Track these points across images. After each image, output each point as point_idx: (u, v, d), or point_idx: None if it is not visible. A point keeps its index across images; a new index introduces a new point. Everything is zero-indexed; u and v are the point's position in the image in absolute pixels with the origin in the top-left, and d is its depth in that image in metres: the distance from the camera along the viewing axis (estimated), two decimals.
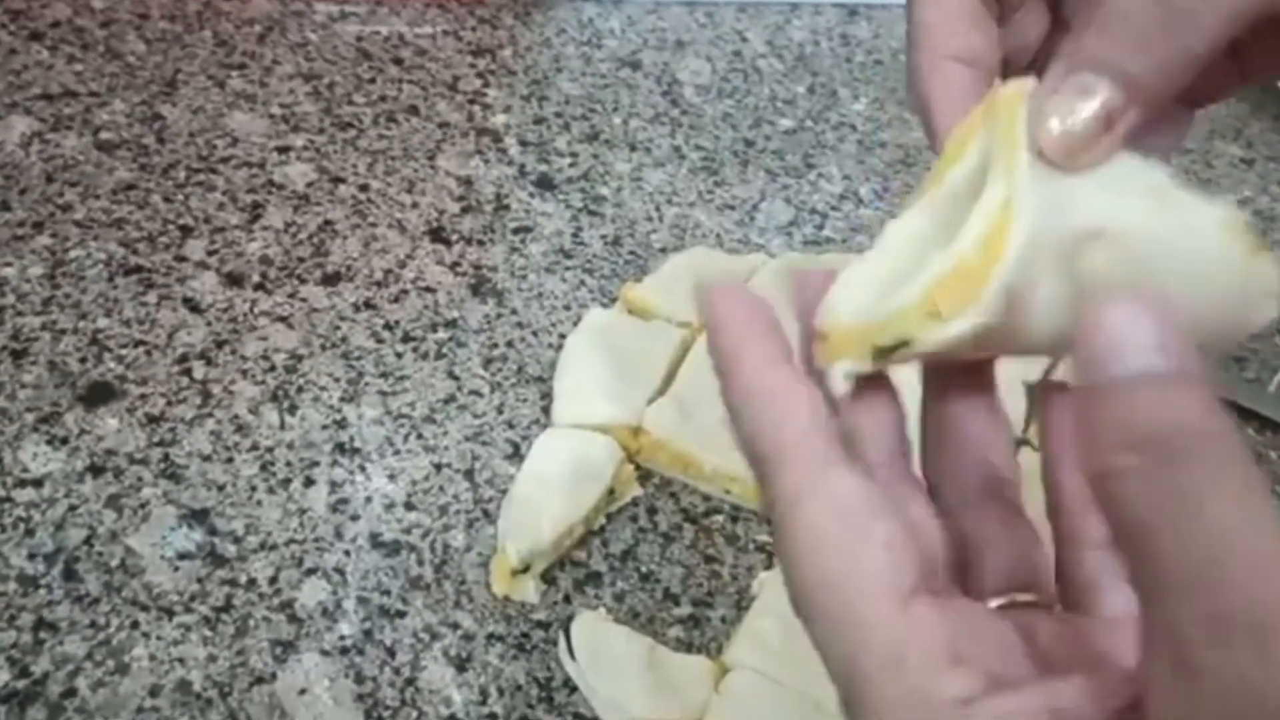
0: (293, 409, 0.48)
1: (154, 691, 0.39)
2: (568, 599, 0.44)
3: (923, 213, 0.26)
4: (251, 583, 0.42)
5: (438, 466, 0.47)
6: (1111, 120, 0.25)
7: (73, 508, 0.43)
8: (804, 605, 0.23)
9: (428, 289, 0.54)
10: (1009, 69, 0.32)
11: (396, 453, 0.47)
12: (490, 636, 0.42)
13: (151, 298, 0.51)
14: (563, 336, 0.53)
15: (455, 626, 0.42)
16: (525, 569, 0.43)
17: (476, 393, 0.50)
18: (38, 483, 0.44)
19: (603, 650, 0.41)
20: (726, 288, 0.26)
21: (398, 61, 0.67)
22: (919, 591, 0.22)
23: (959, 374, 0.28)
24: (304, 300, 0.53)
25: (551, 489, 0.45)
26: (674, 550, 0.46)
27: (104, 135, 0.59)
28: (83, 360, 0.48)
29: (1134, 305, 0.21)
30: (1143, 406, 0.20)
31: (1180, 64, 0.26)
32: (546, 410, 0.50)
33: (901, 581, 0.22)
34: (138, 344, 0.49)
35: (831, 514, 0.23)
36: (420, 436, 0.48)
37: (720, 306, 0.25)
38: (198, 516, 0.44)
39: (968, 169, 0.26)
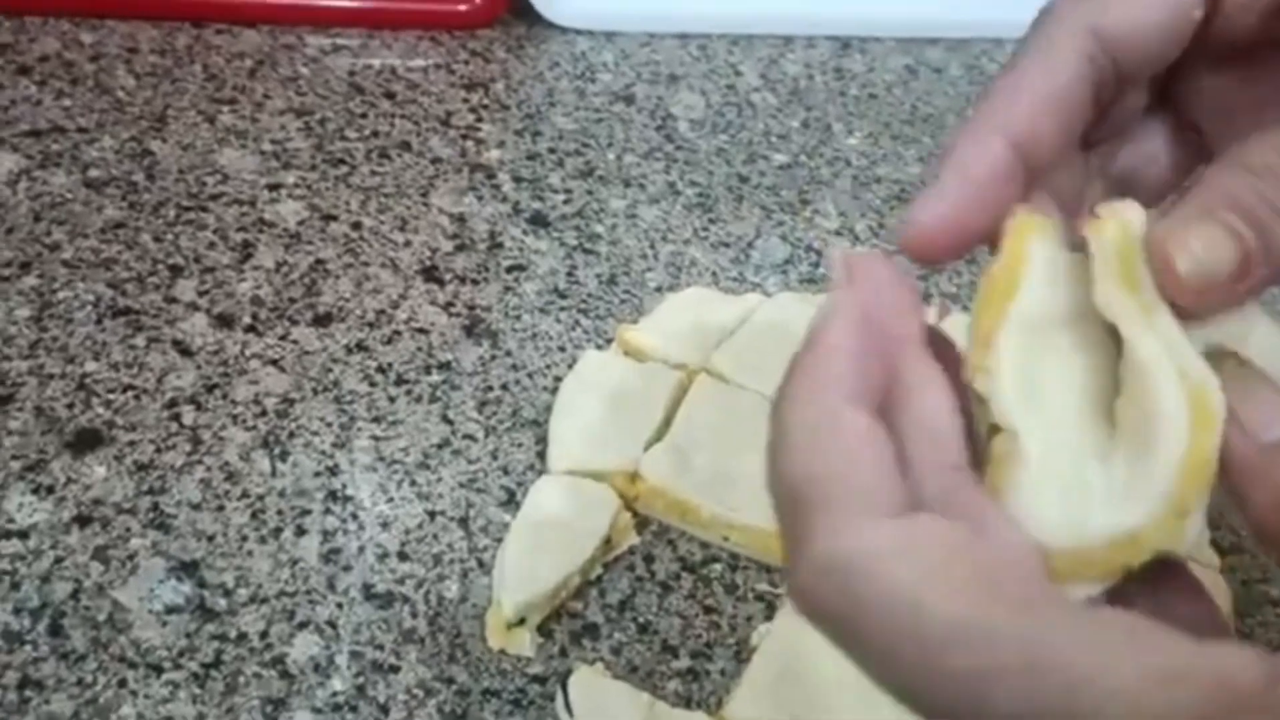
0: (284, 455, 0.47)
1: None
2: (564, 652, 0.43)
3: (1027, 352, 0.25)
4: (242, 637, 0.41)
5: (431, 514, 0.46)
6: (1248, 269, 0.24)
7: (59, 560, 0.42)
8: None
9: (421, 330, 0.54)
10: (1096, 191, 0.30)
11: (390, 500, 0.46)
12: (485, 692, 0.41)
13: (140, 340, 0.50)
14: (558, 379, 0.52)
15: (450, 681, 0.41)
16: (521, 622, 0.43)
17: (471, 437, 0.49)
18: (23, 534, 0.43)
19: (600, 707, 0.40)
20: (848, 300, 0.25)
21: (390, 96, 0.67)
22: None
23: None
24: (295, 342, 0.52)
25: (547, 539, 0.45)
26: (672, 600, 0.45)
27: (93, 173, 0.58)
28: (70, 406, 0.47)
29: (1276, 393, 0.22)
30: None
31: None
32: (542, 455, 0.49)
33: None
34: (126, 388, 0.48)
35: (919, 564, 0.21)
36: (414, 483, 0.47)
37: (830, 325, 0.25)
38: (187, 568, 0.43)
39: (1048, 300, 0.25)
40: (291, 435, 0.48)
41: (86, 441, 0.46)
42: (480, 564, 0.45)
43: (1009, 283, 0.25)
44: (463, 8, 0.71)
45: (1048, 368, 0.24)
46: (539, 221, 0.61)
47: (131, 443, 0.46)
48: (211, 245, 0.55)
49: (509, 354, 0.53)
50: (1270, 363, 0.24)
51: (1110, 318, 0.24)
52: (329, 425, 0.49)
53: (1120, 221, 0.25)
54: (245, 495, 0.45)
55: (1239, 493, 0.22)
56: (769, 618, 0.45)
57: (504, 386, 0.52)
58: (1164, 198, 0.28)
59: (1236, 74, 0.29)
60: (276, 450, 0.47)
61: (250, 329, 0.52)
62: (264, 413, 0.49)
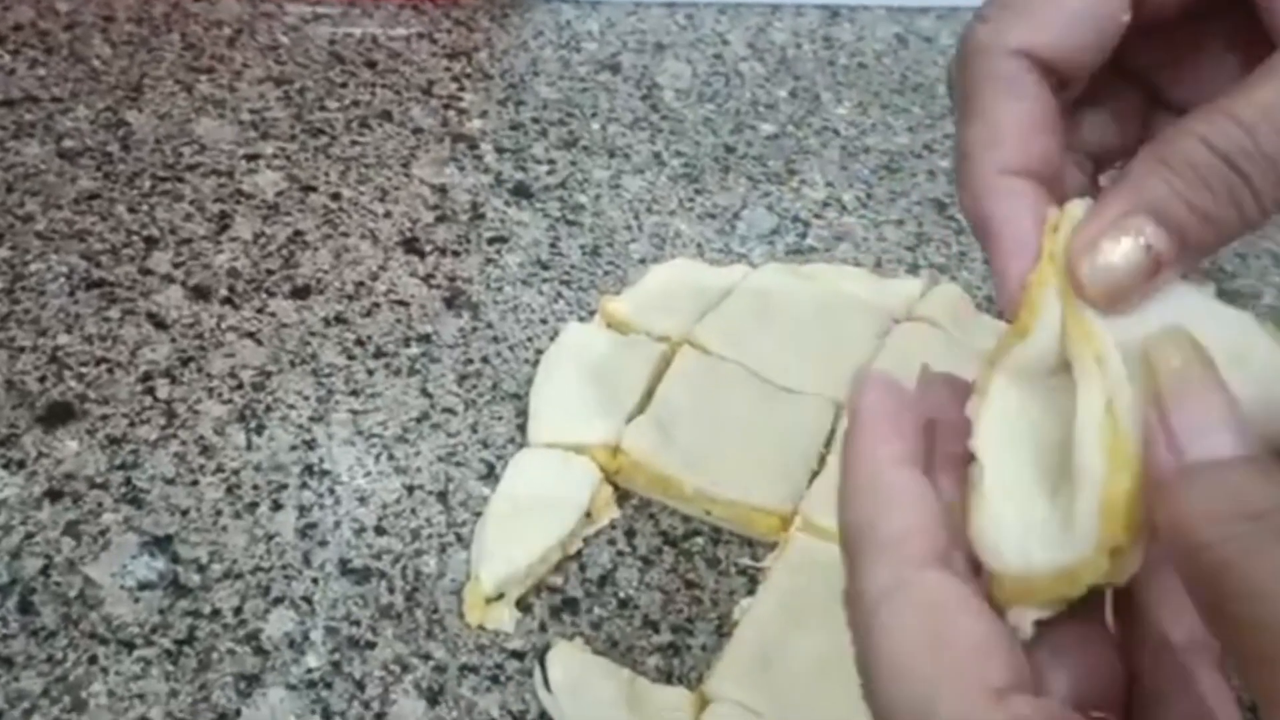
0: (260, 429, 0.47)
1: None
2: (543, 627, 0.42)
3: (1013, 390, 0.26)
4: (215, 613, 0.41)
5: (409, 489, 0.46)
6: (1158, 267, 0.25)
7: (29, 535, 0.42)
8: (883, 705, 0.22)
9: (400, 302, 0.53)
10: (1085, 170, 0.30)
11: (367, 474, 0.46)
12: (463, 668, 0.41)
13: (114, 313, 0.50)
14: (539, 351, 0.51)
15: (427, 658, 0.41)
16: (499, 596, 0.42)
17: (450, 410, 0.49)
18: None
19: (579, 682, 0.40)
20: (877, 376, 0.26)
21: (371, 65, 0.66)
22: (1012, 691, 0.21)
23: None
24: (273, 315, 0.51)
25: (526, 513, 0.44)
26: (653, 575, 0.45)
27: (67, 143, 0.57)
28: (42, 379, 0.47)
29: (1214, 395, 0.22)
30: (1243, 482, 0.21)
31: (1237, 228, 0.25)
32: (522, 428, 0.48)
33: (991, 678, 0.21)
34: (99, 361, 0.48)
35: (920, 609, 0.22)
36: (392, 457, 0.47)
37: (863, 394, 0.25)
38: (160, 544, 0.42)
39: (1047, 347, 0.25)
40: (268, 409, 0.47)
41: (58, 415, 0.45)
42: (459, 538, 0.44)
43: (1021, 329, 0.26)
44: None
45: (1031, 409, 0.26)
46: (521, 192, 0.60)
47: (104, 416, 0.46)
48: (188, 216, 0.55)
49: (490, 326, 0.53)
50: (1272, 384, 0.24)
51: (1069, 357, 0.25)
52: (306, 399, 0.48)
53: (1071, 220, 0.26)
54: (220, 469, 0.45)
55: (1152, 510, 0.22)
56: (751, 592, 0.44)
57: (484, 359, 0.51)
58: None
59: (1173, 50, 0.29)
60: (252, 424, 0.47)
61: (227, 301, 0.51)
62: (240, 386, 0.48)
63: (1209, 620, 0.20)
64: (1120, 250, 0.24)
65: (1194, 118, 0.25)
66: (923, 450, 0.25)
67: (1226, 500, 0.20)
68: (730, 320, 0.52)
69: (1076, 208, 0.26)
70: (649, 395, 0.49)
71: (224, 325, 0.50)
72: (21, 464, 0.44)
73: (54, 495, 0.43)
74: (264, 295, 0.52)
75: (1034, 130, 0.27)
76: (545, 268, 0.56)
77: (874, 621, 0.23)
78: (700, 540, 0.46)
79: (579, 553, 0.45)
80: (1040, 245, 0.26)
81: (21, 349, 0.47)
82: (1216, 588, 0.20)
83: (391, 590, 0.42)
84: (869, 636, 0.23)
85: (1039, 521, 0.24)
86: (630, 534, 0.46)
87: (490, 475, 0.47)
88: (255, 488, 0.44)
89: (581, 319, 0.54)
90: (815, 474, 0.47)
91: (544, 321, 0.53)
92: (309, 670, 0.40)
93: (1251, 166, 0.24)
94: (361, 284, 0.53)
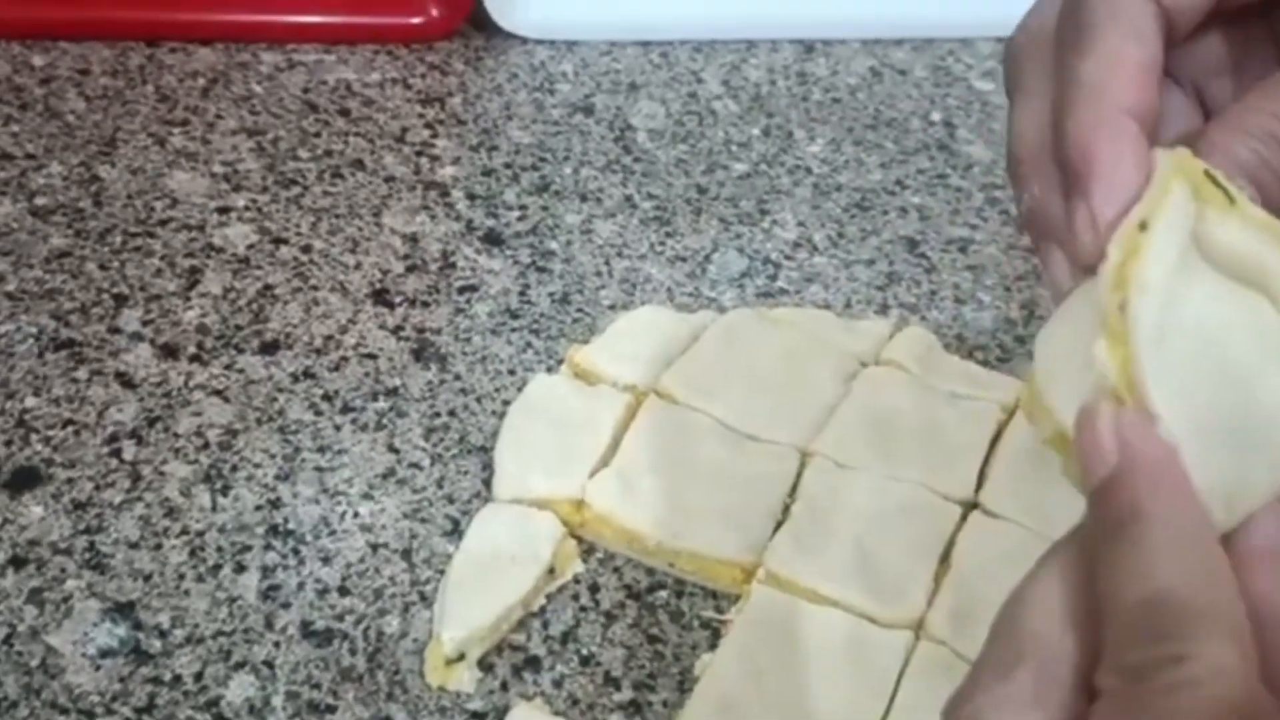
0: (226, 489, 0.47)
1: None
2: (505, 686, 0.43)
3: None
4: (176, 680, 0.41)
5: (374, 547, 0.46)
6: None
7: None
8: None
9: (369, 355, 0.53)
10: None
11: (332, 533, 0.46)
12: None
13: (82, 373, 0.50)
14: (506, 403, 0.51)
15: None
16: (460, 657, 0.42)
17: (416, 465, 0.49)
18: None
19: None
20: (1136, 423, 0.23)
21: (344, 113, 0.66)
22: None
23: None
24: (241, 371, 0.51)
25: (488, 571, 0.44)
26: (616, 630, 0.45)
27: (39, 200, 0.57)
28: (8, 443, 0.47)
29: None
30: None
31: None
32: (488, 483, 0.48)
33: None
34: (66, 424, 0.48)
35: None
36: (357, 515, 0.47)
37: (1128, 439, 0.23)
38: (122, 610, 0.42)
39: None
40: (234, 468, 0.48)
41: (24, 480, 0.46)
42: (422, 597, 0.45)
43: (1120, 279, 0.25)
44: (417, 21, 0.71)
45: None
46: (492, 240, 0.60)
47: (70, 480, 0.46)
48: (158, 272, 0.55)
49: (458, 378, 0.53)
50: None
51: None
52: (272, 457, 0.48)
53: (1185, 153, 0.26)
54: (185, 532, 0.45)
55: None
56: (713, 646, 0.44)
57: (451, 412, 0.51)
58: None
59: (1234, 36, 0.30)
60: (218, 484, 0.47)
61: (195, 358, 0.52)
62: (206, 445, 0.48)
63: None
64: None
65: (1263, 97, 0.26)
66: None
67: None
68: (696, 368, 0.52)
69: (1165, 158, 0.26)
70: (615, 446, 0.49)
71: (192, 383, 0.50)
72: None
73: (18, 563, 0.43)
74: (232, 351, 0.52)
75: (1151, 73, 0.26)
76: (515, 316, 0.56)
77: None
78: (664, 593, 0.46)
79: (542, 609, 0.45)
80: (1139, 190, 0.25)
81: None
82: None
83: (353, 652, 0.43)
84: None
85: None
86: (594, 588, 0.46)
87: (455, 531, 0.47)
88: (219, 550, 0.45)
89: (550, 369, 0.54)
90: (779, 524, 0.47)
91: (512, 372, 0.54)
92: None
93: None
94: (330, 337, 0.54)
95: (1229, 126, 0.26)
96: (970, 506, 0.49)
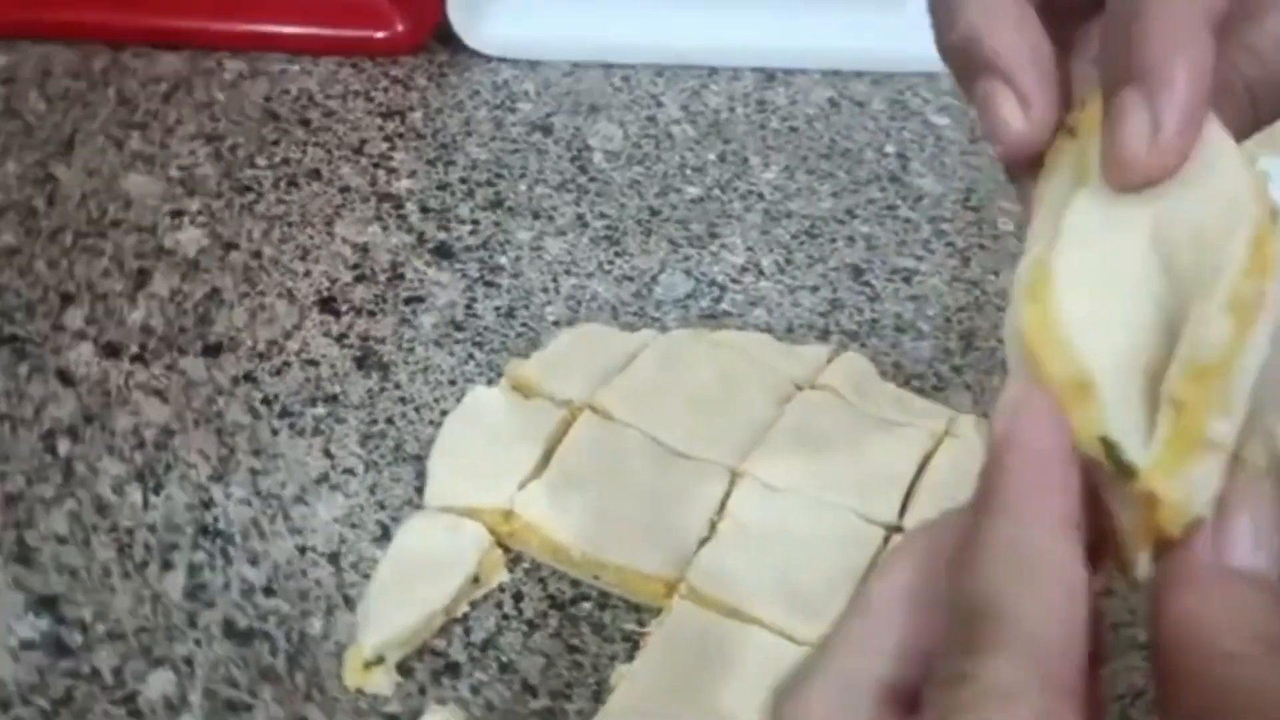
0: (158, 488, 0.47)
1: None
2: (423, 691, 0.43)
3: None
4: (95, 674, 0.41)
5: (302, 550, 0.46)
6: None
7: None
8: None
9: (311, 362, 0.54)
10: None
11: (262, 535, 0.47)
12: None
13: (23, 369, 0.51)
14: (445, 413, 0.52)
15: None
16: (380, 660, 0.43)
17: (350, 471, 0.50)
18: None
19: None
20: (1035, 402, 0.22)
21: (305, 123, 0.67)
22: None
23: None
24: (182, 372, 0.52)
25: (412, 577, 0.45)
26: (537, 639, 0.45)
27: None
28: None
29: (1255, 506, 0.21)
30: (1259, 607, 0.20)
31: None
32: (420, 491, 0.49)
33: None
34: (4, 419, 0.49)
35: None
36: (288, 518, 0.47)
37: (1019, 424, 0.22)
38: (46, 603, 0.43)
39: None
40: (168, 467, 0.48)
41: None
42: (346, 600, 0.45)
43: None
44: (382, 35, 0.72)
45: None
46: (443, 253, 0.61)
47: (2, 474, 0.46)
48: (106, 273, 0.56)
49: (398, 387, 0.54)
50: None
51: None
52: (207, 458, 0.49)
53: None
54: (114, 529, 0.46)
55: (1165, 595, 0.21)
56: (631, 658, 0.45)
57: (389, 420, 0.52)
58: None
59: None
60: (151, 483, 0.47)
61: (137, 358, 0.52)
62: (142, 444, 0.49)
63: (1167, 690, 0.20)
64: (1141, 125, 0.23)
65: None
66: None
67: (1251, 618, 0.20)
68: (633, 386, 0.53)
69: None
70: (547, 459, 0.50)
71: (132, 383, 0.51)
72: None
73: None
74: (175, 353, 0.53)
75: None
76: (459, 329, 0.57)
77: None
78: (587, 605, 0.47)
79: (465, 616, 0.46)
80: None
81: None
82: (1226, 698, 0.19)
83: (274, 652, 0.43)
84: None
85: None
86: (518, 598, 0.47)
87: (384, 537, 0.47)
88: (147, 547, 0.45)
89: (490, 381, 0.55)
90: (705, 540, 0.48)
91: (453, 383, 0.54)
92: None
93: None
94: (274, 343, 0.54)
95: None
96: (894, 530, 0.49)
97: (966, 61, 0.26)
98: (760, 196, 0.69)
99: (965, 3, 0.26)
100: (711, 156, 0.71)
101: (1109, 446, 0.21)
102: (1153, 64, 0.23)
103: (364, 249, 0.60)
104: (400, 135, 0.68)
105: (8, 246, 0.56)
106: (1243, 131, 0.24)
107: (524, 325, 0.58)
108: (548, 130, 0.71)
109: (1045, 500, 0.21)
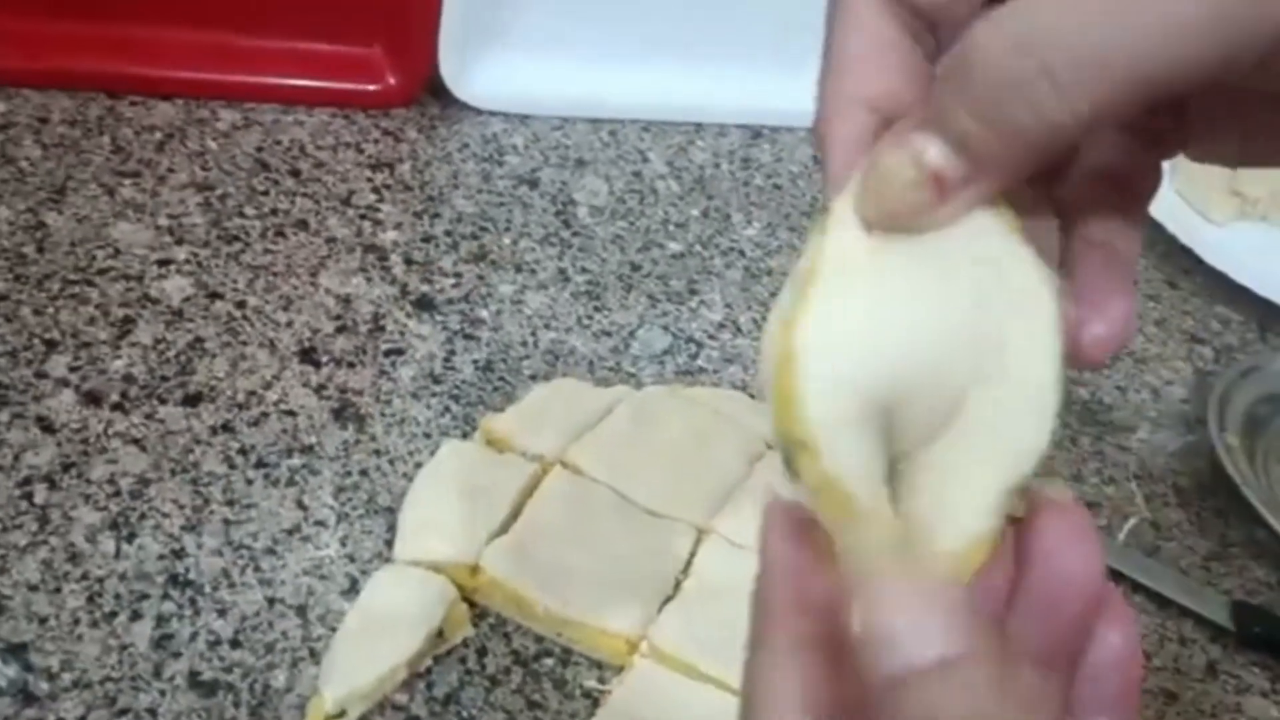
0: (131, 537, 0.48)
1: None
2: None
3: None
4: None
5: (271, 601, 0.47)
6: (945, 187, 0.24)
7: None
8: None
9: (289, 412, 0.55)
10: None
11: (231, 586, 0.47)
12: None
13: (3, 416, 0.51)
14: (419, 465, 0.53)
15: None
16: (341, 714, 0.43)
17: (322, 523, 0.50)
18: None
19: None
20: (783, 514, 0.25)
21: (295, 173, 0.68)
22: None
23: None
24: (161, 421, 0.53)
25: (377, 631, 0.45)
26: (498, 695, 0.46)
27: None
28: None
29: (906, 591, 0.22)
30: (939, 698, 0.21)
31: (1040, 135, 0.23)
32: (391, 544, 0.50)
33: None
34: None
35: None
36: (258, 569, 0.48)
37: (770, 542, 0.25)
38: (14, 651, 0.44)
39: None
40: (142, 517, 0.49)
41: None
42: (312, 653, 0.46)
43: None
44: (374, 88, 0.73)
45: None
46: (424, 305, 0.62)
47: None
48: (91, 320, 0.57)
49: (373, 439, 0.54)
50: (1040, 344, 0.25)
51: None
52: (181, 507, 0.50)
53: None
54: (85, 577, 0.46)
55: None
56: (591, 715, 0.45)
57: (363, 472, 0.53)
58: None
59: None
60: (124, 532, 0.48)
61: (117, 407, 0.53)
62: (117, 493, 0.50)
63: None
64: (896, 165, 0.24)
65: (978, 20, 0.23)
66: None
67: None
68: (604, 442, 0.54)
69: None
70: (515, 515, 0.51)
71: (111, 431, 0.52)
72: None
73: None
74: (155, 402, 0.54)
75: (891, 60, 0.27)
76: (437, 381, 0.58)
77: None
78: (550, 661, 0.48)
79: (428, 670, 0.46)
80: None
81: None
82: None
83: (237, 704, 0.44)
84: None
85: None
86: (482, 652, 0.47)
87: (352, 590, 0.48)
88: (117, 596, 0.46)
89: (465, 434, 0.55)
90: (669, 599, 0.49)
91: (428, 436, 0.55)
92: None
93: (1050, 54, 0.22)
94: (253, 393, 0.55)
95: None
96: None
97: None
98: (741, 253, 0.70)
99: (822, 87, 0.27)
100: (695, 212, 0.73)
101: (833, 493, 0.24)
102: (816, 145, 0.27)
103: (347, 300, 0.61)
104: (388, 187, 0.69)
105: None
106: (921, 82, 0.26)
107: (501, 379, 0.59)
108: (534, 184, 0.72)
109: (781, 625, 0.24)
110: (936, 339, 0.24)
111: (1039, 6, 0.22)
